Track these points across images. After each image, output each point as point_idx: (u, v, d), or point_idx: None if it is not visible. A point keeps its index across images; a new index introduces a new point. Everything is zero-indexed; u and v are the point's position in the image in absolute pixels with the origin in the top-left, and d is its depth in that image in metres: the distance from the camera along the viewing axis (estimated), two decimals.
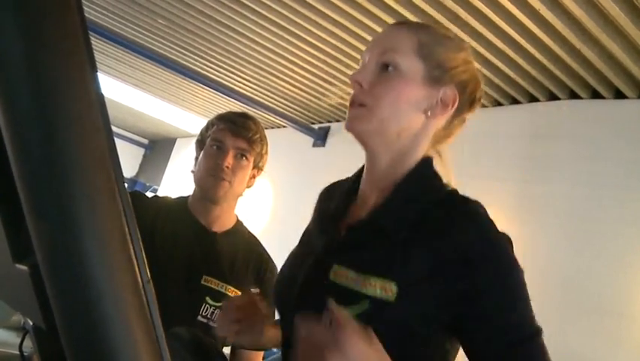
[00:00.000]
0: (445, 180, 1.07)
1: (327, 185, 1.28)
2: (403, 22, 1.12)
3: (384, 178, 1.06)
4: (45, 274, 0.41)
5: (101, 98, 0.42)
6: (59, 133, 0.39)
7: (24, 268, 0.46)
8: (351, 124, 1.04)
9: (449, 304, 0.94)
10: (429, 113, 1.04)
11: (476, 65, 1.12)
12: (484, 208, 0.99)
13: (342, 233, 1.06)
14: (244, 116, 1.86)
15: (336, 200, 1.15)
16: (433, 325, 0.96)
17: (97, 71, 0.42)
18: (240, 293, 1.77)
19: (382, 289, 0.92)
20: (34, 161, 0.39)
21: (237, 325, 1.18)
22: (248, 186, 1.87)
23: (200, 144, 1.86)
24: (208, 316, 1.72)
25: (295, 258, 1.17)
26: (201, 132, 1.88)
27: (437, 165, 1.08)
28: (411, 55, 1.03)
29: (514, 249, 0.98)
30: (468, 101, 1.09)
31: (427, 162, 1.07)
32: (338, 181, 1.26)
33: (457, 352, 1.03)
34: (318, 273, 1.01)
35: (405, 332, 0.94)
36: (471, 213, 0.99)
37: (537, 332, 0.95)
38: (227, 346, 1.72)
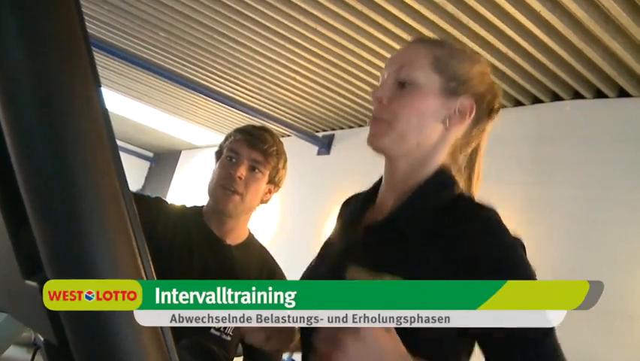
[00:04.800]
0: (462, 187, 1.09)
1: (347, 197, 1.32)
2: (419, 39, 1.17)
3: (402, 183, 1.09)
4: None
5: (105, 113, 0.42)
6: (65, 149, 0.39)
7: (34, 284, 0.46)
8: (372, 140, 1.09)
9: None
10: (447, 123, 1.07)
11: (493, 78, 1.15)
12: (498, 215, 1.01)
13: (360, 235, 1.09)
14: (262, 129, 1.85)
15: (353, 206, 1.20)
16: None
17: (101, 86, 0.43)
18: None
19: None
20: (41, 178, 0.39)
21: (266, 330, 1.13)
22: (263, 202, 1.85)
23: (218, 155, 1.86)
24: (221, 328, 1.71)
25: (315, 262, 1.21)
26: (220, 144, 1.88)
27: (455, 174, 1.11)
28: (427, 69, 1.07)
29: (526, 254, 0.99)
30: (486, 112, 1.13)
31: (444, 170, 1.09)
32: (358, 193, 1.29)
33: (471, 348, 1.03)
34: (336, 273, 1.03)
35: (416, 331, 0.95)
36: (484, 220, 1.00)
37: (548, 331, 0.95)
38: (238, 357, 1.71)
